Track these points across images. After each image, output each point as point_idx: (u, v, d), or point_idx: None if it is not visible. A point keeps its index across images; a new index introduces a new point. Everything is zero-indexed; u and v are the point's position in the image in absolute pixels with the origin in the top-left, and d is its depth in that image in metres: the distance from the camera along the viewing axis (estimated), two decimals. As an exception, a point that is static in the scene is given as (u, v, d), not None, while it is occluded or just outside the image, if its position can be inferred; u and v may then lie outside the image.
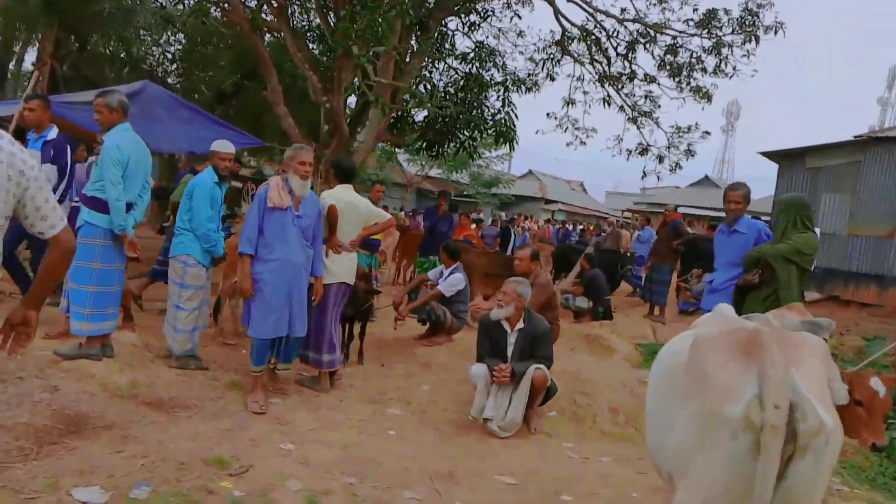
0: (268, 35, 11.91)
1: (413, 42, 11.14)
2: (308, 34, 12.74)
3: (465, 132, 11.79)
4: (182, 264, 4.79)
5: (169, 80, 15.96)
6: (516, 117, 11.90)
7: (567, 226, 25.81)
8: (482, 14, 12.50)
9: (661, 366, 2.29)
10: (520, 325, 4.53)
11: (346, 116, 10.85)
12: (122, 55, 15.70)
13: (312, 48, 12.22)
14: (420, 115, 12.62)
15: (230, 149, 5.13)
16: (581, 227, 26.57)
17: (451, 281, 6.36)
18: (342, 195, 5.10)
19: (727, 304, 2.43)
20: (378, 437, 4.14)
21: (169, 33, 15.79)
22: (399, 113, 11.43)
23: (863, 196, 11.90)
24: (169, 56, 16.95)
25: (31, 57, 16.96)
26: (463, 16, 12.21)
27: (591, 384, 4.96)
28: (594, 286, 9.13)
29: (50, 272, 2.22)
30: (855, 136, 12.08)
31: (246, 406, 4.32)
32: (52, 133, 5.40)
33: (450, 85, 12.42)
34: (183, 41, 15.97)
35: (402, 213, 21.51)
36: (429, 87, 12.25)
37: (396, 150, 25.32)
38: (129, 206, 4.45)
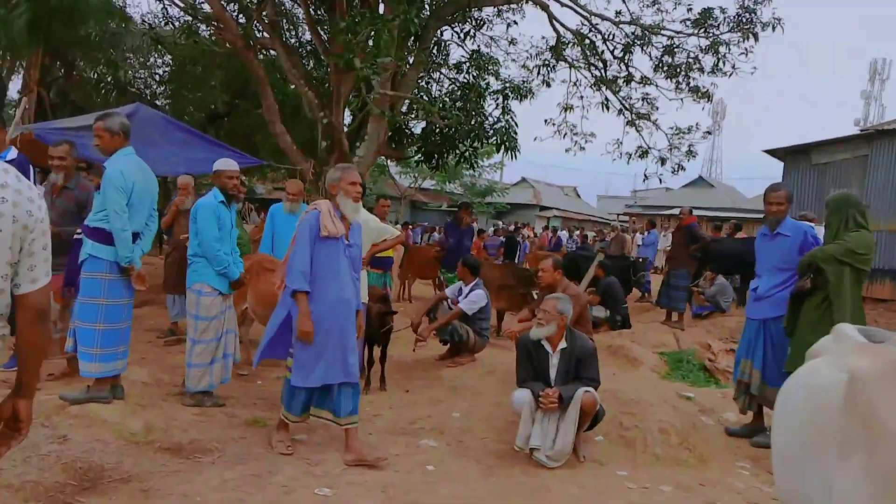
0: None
1: (405, 53, 10.90)
2: (300, 50, 12.51)
3: (466, 142, 11.56)
4: (196, 294, 4.49)
5: (157, 103, 15.66)
6: (516, 125, 11.70)
7: (559, 233, 24.76)
8: (476, 23, 12.30)
9: (801, 405, 1.93)
10: (562, 344, 4.21)
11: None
12: (109, 79, 15.40)
13: (304, 63, 11.97)
14: (418, 128, 12.40)
15: (234, 166, 4.86)
16: (577, 232, 26.10)
17: (473, 298, 6.07)
18: (354, 213, 4.82)
19: (849, 325, 2.08)
20: (417, 473, 3.82)
21: (156, 55, 15.51)
22: (397, 125, 11.17)
23: (872, 190, 11.73)
24: (157, 78, 16.65)
25: (15, 85, 16.58)
26: (458, 25, 12.01)
27: (635, 403, 4.66)
28: (611, 294, 8.85)
29: (31, 344, 1.82)
30: (861, 130, 11.94)
31: (271, 445, 4.00)
32: (11, 154, 4.91)
33: (446, 95, 12.19)
34: (171, 62, 15.67)
35: (398, 225, 21.15)
36: (426, 97, 12.02)
37: (390, 162, 25.07)
38: (136, 237, 4.15)
